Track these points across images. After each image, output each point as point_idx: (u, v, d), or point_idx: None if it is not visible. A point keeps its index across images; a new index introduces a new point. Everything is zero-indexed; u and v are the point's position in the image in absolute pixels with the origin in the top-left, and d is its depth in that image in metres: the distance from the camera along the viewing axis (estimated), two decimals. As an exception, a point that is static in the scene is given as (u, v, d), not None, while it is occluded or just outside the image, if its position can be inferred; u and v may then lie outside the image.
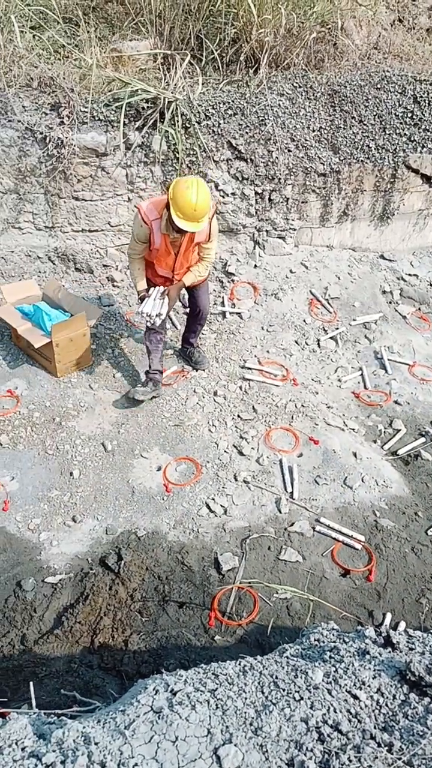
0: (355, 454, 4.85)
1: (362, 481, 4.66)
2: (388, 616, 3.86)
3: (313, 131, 6.04)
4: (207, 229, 4.44)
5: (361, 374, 5.78)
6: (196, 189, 4.07)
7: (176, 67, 5.70)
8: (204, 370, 5.48)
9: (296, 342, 5.92)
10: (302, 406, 5.22)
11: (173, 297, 4.71)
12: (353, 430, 5.18)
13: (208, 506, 4.42)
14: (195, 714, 1.83)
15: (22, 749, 1.72)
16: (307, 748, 1.77)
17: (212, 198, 4.37)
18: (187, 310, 5.37)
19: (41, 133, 5.34)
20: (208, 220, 4.36)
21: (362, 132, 6.16)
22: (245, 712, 1.88)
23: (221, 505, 4.42)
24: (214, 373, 5.46)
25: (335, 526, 4.32)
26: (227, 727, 1.82)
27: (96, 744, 1.72)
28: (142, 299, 4.70)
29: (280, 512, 4.41)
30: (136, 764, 1.69)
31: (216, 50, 5.90)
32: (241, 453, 4.79)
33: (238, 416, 5.09)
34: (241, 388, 5.35)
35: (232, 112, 5.72)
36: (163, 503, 4.42)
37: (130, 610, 3.77)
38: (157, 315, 4.57)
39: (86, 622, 3.65)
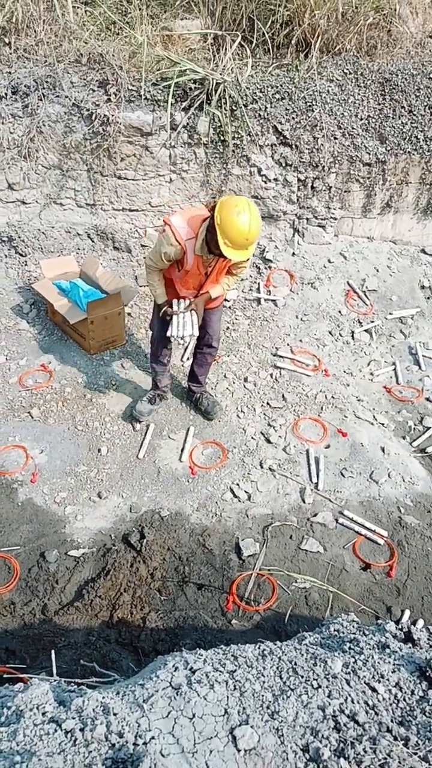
0: (383, 449, 4.81)
1: (389, 476, 4.62)
2: (407, 612, 3.84)
3: (361, 119, 5.94)
4: None
5: (394, 369, 5.71)
6: (249, 214, 3.53)
7: (226, 49, 5.64)
8: (216, 419, 4.88)
9: (330, 333, 5.87)
10: (332, 397, 5.19)
11: (201, 311, 4.11)
12: (383, 424, 5.13)
13: (232, 491, 4.43)
14: (213, 693, 1.85)
15: (43, 714, 1.76)
16: (322, 736, 1.77)
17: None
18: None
19: (88, 110, 5.34)
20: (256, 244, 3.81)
21: (411, 122, 6.03)
22: (263, 696, 1.89)
23: (245, 491, 4.43)
24: (245, 360, 5.45)
25: (358, 519, 4.30)
26: (244, 708, 1.84)
27: (115, 714, 1.75)
28: (163, 317, 4.16)
29: (304, 502, 4.40)
30: (152, 737, 1.71)
31: (267, 32, 5.81)
32: (268, 440, 4.79)
33: (268, 404, 5.08)
34: (271, 375, 5.33)
35: (279, 96, 5.65)
36: (187, 485, 4.45)
37: (149, 588, 3.81)
38: (189, 335, 3.99)
39: (106, 596, 3.71)
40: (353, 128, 5.91)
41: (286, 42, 5.90)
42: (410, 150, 6.11)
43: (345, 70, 5.90)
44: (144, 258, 4.09)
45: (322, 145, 5.81)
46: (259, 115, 5.63)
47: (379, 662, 2.09)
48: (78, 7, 5.76)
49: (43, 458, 4.51)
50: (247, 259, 3.97)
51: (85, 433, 4.71)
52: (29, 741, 1.65)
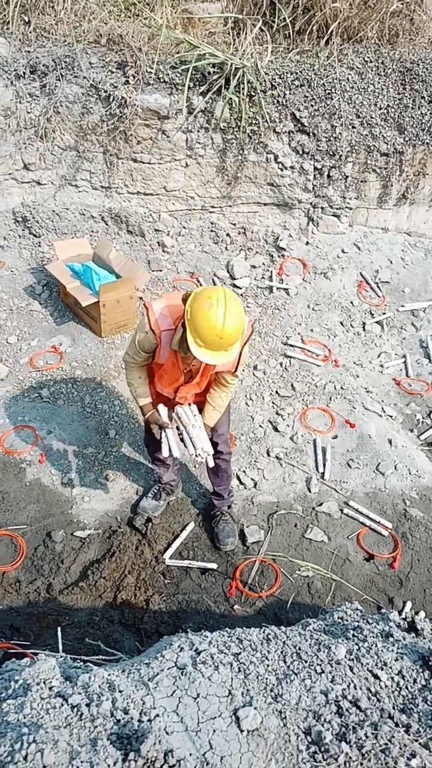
0: (390, 441, 4.81)
1: (395, 468, 4.62)
2: (409, 604, 3.86)
3: (380, 109, 5.88)
4: (235, 358, 3.20)
5: (404, 362, 5.70)
6: (224, 307, 2.86)
7: (246, 33, 5.59)
8: (226, 549, 4.04)
9: (341, 323, 5.86)
10: (341, 388, 5.18)
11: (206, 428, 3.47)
12: (391, 417, 5.13)
13: (238, 478, 4.45)
14: (218, 674, 1.88)
15: (50, 688, 1.78)
16: (325, 719, 1.79)
17: (246, 316, 3.10)
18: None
19: (105, 92, 5.32)
20: (239, 347, 3.11)
21: (431, 113, 5.97)
22: (266, 679, 1.91)
23: (252, 479, 4.45)
24: (255, 348, 5.44)
25: (363, 510, 4.31)
26: (248, 690, 1.86)
27: (120, 691, 1.78)
28: (148, 426, 3.59)
29: (310, 491, 4.42)
30: (157, 715, 1.74)
31: (288, 18, 5.75)
32: (275, 429, 4.80)
33: (276, 392, 5.08)
34: (281, 364, 5.33)
35: (299, 83, 5.60)
36: (194, 470, 4.47)
37: (153, 571, 3.85)
38: (205, 451, 3.35)
39: (111, 578, 3.74)
40: (372, 117, 5.85)
41: (307, 28, 5.84)
42: (429, 141, 6.05)
43: (366, 58, 5.84)
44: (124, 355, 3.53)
45: (339, 133, 5.77)
46: (278, 101, 5.58)
47: (382, 650, 2.11)
48: (98, -13, 5.72)
49: (51, 439, 4.53)
50: (236, 375, 3.41)
51: (94, 416, 4.73)
52: (36, 714, 1.68)
